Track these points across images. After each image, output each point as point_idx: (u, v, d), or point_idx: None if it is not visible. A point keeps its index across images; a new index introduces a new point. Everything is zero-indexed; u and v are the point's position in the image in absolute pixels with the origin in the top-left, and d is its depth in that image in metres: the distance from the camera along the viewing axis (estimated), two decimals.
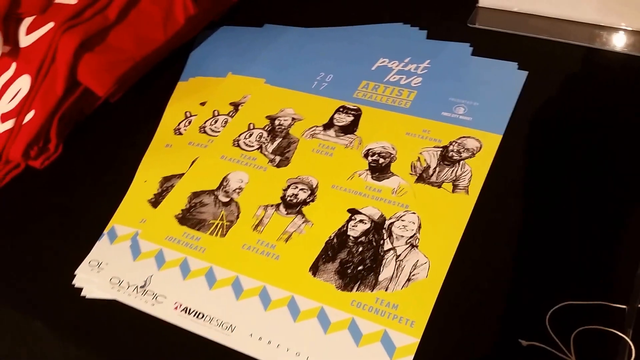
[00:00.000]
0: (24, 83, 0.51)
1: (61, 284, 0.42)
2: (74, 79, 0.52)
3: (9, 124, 0.50)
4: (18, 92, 0.50)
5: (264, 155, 0.50)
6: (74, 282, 0.42)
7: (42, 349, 0.41)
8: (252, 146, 0.51)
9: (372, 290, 0.39)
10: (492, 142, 0.47)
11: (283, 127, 0.52)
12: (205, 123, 0.54)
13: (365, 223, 0.43)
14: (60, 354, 0.41)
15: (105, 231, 0.45)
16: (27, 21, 0.52)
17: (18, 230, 0.47)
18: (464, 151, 0.46)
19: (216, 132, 0.53)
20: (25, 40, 0.51)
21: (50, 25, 0.51)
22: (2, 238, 0.47)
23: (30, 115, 0.50)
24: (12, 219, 0.48)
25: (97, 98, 0.54)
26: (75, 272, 0.43)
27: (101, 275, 0.42)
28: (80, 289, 0.42)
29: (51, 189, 0.50)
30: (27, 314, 0.42)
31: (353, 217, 0.43)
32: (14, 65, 0.51)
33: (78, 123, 0.55)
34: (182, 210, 0.46)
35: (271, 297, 0.39)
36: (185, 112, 0.55)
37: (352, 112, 0.52)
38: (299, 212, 0.44)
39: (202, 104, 0.56)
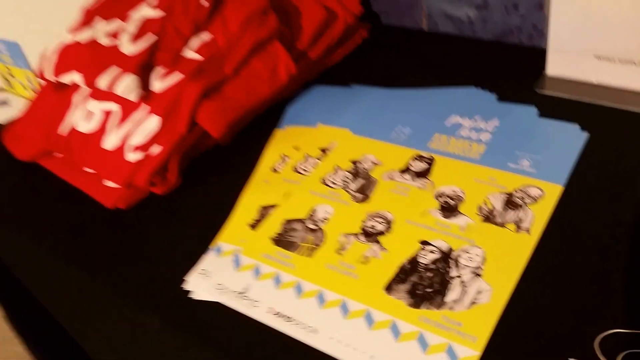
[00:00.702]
0: (153, 122, 0.61)
1: (173, 288, 0.51)
2: (194, 122, 0.62)
3: (139, 156, 0.61)
4: (148, 129, 0.61)
5: (348, 192, 0.57)
6: (184, 286, 0.50)
7: (156, 340, 0.49)
8: (337, 184, 0.58)
9: (439, 309, 0.44)
10: (553, 191, 0.52)
11: (365, 170, 0.59)
12: (297, 164, 0.62)
13: (435, 253, 0.49)
14: (171, 347, 0.48)
15: (212, 247, 0.54)
16: (160, 71, 0.63)
17: (142, 242, 0.57)
18: (527, 197, 0.52)
19: (307, 171, 0.61)
20: (157, 86, 0.63)
21: (179, 76, 0.62)
22: (130, 246, 0.56)
23: (156, 150, 0.61)
24: (136, 233, 0.58)
25: (211, 139, 0.64)
26: (186, 278, 0.51)
27: (208, 281, 0.51)
28: (189, 292, 0.50)
29: (169, 212, 0.59)
30: (145, 310, 0.50)
31: (424, 247, 0.50)
32: (146, 107, 0.62)
33: (193, 159, 0.65)
34: (276, 233, 0.54)
35: (349, 309, 0.46)
36: (281, 154, 0.64)
37: (426, 160, 0.59)
38: (376, 241, 0.51)
39: (296, 148, 0.65)
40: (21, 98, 2.19)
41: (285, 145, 0.66)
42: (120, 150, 0.62)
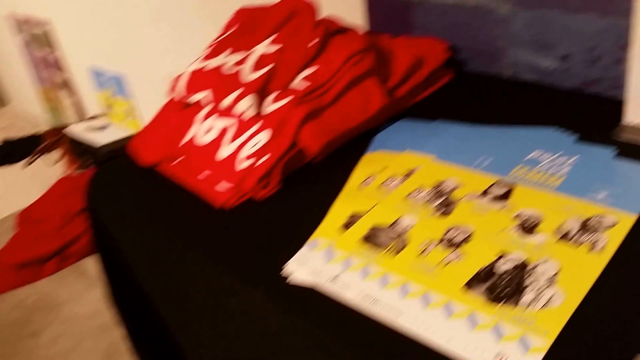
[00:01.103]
0: (264, 136, 0.71)
1: (274, 271, 0.58)
2: (297, 139, 0.71)
3: (249, 163, 0.70)
4: (259, 141, 0.71)
5: (430, 208, 0.63)
6: (284, 271, 0.58)
7: (255, 316, 0.56)
8: (420, 202, 0.65)
9: (514, 308, 0.49)
10: (627, 219, 0.56)
11: (447, 191, 0.66)
12: (384, 182, 0.70)
13: (512, 262, 0.54)
14: (274, 321, 0.55)
15: (309, 241, 0.61)
16: (273, 96, 0.73)
17: (246, 235, 0.65)
18: (602, 224, 0.57)
19: (392, 189, 0.68)
20: (269, 107, 0.72)
21: (288, 99, 0.72)
22: (237, 238, 0.64)
23: (264, 159, 0.70)
24: (242, 228, 0.66)
25: (308, 155, 0.73)
26: (286, 265, 0.58)
27: (304, 268, 0.58)
28: (288, 275, 0.57)
29: (270, 212, 0.68)
30: (248, 286, 0.58)
31: (501, 257, 0.55)
32: (258, 124, 0.72)
33: (292, 171, 0.73)
34: (365, 235, 0.61)
35: (430, 300, 0.51)
36: (370, 173, 0.72)
37: (506, 186, 0.65)
38: (456, 249, 0.57)
39: (383, 168, 0.72)
40: (118, 125, 2.42)
41: (374, 166, 0.73)
42: (232, 159, 0.71)
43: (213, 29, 1.48)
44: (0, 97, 3.28)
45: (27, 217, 2.13)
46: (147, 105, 2.18)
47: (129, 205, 0.78)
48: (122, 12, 1.98)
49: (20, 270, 1.91)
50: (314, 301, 0.54)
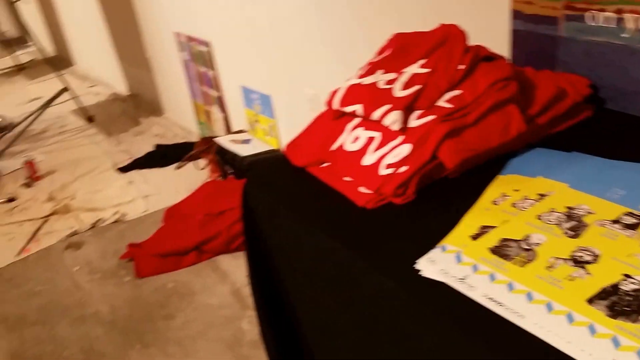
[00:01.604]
0: (405, 149, 0.79)
1: (407, 266, 0.65)
2: (436, 153, 0.78)
3: (389, 171, 0.78)
4: (400, 153, 0.79)
5: (560, 228, 0.67)
6: (416, 266, 0.65)
7: (391, 301, 0.64)
8: (552, 222, 0.69)
9: (634, 323, 0.52)
10: None
11: (578, 215, 0.69)
12: (516, 202, 0.74)
13: (636, 284, 0.56)
14: (402, 307, 0.62)
15: (439, 245, 0.68)
16: (418, 113, 0.81)
17: (384, 233, 0.73)
18: None
19: (524, 208, 0.72)
20: (414, 123, 0.80)
21: (432, 117, 0.79)
22: (376, 235, 0.73)
23: (403, 169, 0.77)
24: (380, 226, 0.74)
25: (444, 170, 0.79)
26: (417, 262, 0.65)
27: (434, 266, 0.64)
28: (420, 271, 0.64)
29: (406, 216, 0.75)
30: (384, 276, 0.65)
31: (627, 279, 0.57)
32: (402, 137, 0.80)
33: (426, 184, 0.80)
34: (493, 246, 0.66)
35: (553, 307, 0.55)
36: (502, 193, 0.76)
37: (637, 217, 0.66)
38: (583, 267, 0.60)
39: (516, 190, 0.76)
40: (259, 140, 2.61)
41: (506, 187, 0.78)
42: (375, 166, 0.80)
43: (353, 56, 1.60)
44: (157, 107, 3.69)
45: (174, 213, 2.39)
46: (286, 124, 2.36)
47: (279, 200, 0.89)
48: (274, 39, 2.18)
49: (164, 259, 2.14)
50: (442, 293, 0.60)
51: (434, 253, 0.66)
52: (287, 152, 0.96)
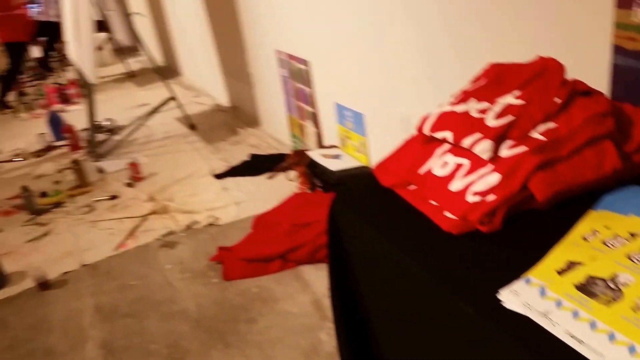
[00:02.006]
0: (494, 178, 0.80)
1: (489, 295, 0.66)
2: (526, 184, 0.78)
3: (477, 199, 0.79)
4: (489, 181, 0.80)
5: None
6: (498, 296, 0.66)
7: (469, 327, 0.65)
8: None
9: None
10: None
11: None
12: (606, 239, 0.73)
13: None
14: (480, 333, 0.63)
15: (523, 277, 0.68)
16: (510, 143, 0.82)
17: (467, 260, 0.74)
18: None
19: (614, 246, 0.71)
20: (504, 153, 0.81)
21: (524, 149, 0.80)
22: (459, 260, 0.74)
23: (491, 198, 0.78)
24: (462, 252, 0.76)
25: (533, 202, 0.79)
26: (500, 292, 0.66)
27: (517, 298, 0.65)
28: (502, 301, 0.65)
29: (490, 245, 0.76)
30: (463, 301, 0.67)
31: None
32: (491, 166, 0.81)
33: (516, 213, 0.81)
34: (579, 282, 0.66)
35: (636, 350, 0.55)
36: (593, 229, 0.75)
37: None
38: None
39: (606, 227, 0.75)
40: (349, 156, 2.66)
41: (597, 223, 0.77)
42: (462, 193, 0.81)
43: (447, 81, 1.61)
44: (255, 119, 3.85)
45: (262, 221, 2.48)
46: (377, 142, 2.40)
47: (364, 217, 0.92)
48: (370, 59, 2.23)
49: (250, 264, 2.23)
50: (522, 325, 0.61)
51: (518, 285, 0.67)
52: (375, 171, 0.99)
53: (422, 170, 0.91)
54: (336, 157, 2.62)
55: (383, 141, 2.34)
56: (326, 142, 2.88)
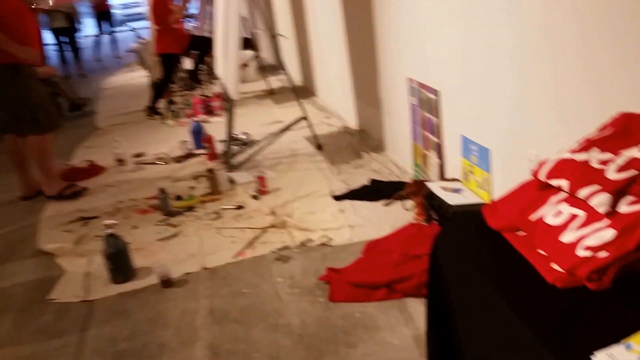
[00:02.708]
0: (609, 234, 0.74)
1: (584, 357, 0.62)
2: None
3: (588, 254, 0.74)
4: (603, 237, 0.74)
5: None
6: (592, 357, 0.61)
7: None
8: None
9: None
10: None
11: None
12: None
13: None
14: None
15: (624, 342, 0.63)
16: (630, 199, 0.76)
17: (568, 315, 0.70)
18: None
19: None
20: (623, 209, 0.75)
21: None
22: (559, 315, 0.70)
23: (603, 254, 0.73)
24: (564, 307, 0.71)
25: None
26: (595, 354, 0.61)
27: None
28: None
29: (596, 302, 0.71)
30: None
31: None
32: (607, 221, 0.76)
33: (625, 274, 0.74)
34: None
35: None
36: None
37: None
38: None
39: None
40: (470, 191, 2.58)
41: None
42: (573, 245, 0.77)
43: (580, 124, 1.50)
44: (380, 144, 3.89)
45: (374, 247, 2.49)
46: (501, 180, 2.31)
47: (468, 258, 0.90)
48: (501, 94, 2.16)
49: (356, 288, 2.24)
50: None
51: (617, 349, 0.62)
52: (485, 212, 0.96)
53: (534, 216, 0.87)
54: (456, 191, 2.57)
55: (507, 180, 2.25)
56: (448, 175, 2.83)
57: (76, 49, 9.05)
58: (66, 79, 7.18)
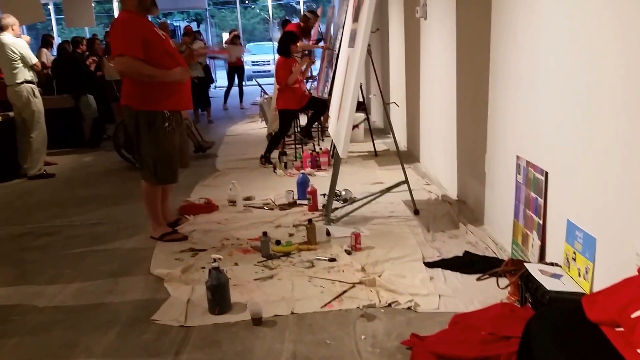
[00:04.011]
0: None
1: None
2: None
3: None
4: None
5: None
6: None
7: None
8: None
9: None
10: None
11: None
12: None
13: None
14: None
15: None
16: None
17: None
18: None
19: None
20: None
21: None
22: None
23: None
24: None
25: None
26: None
27: None
28: None
29: None
30: None
31: None
32: None
33: None
34: None
35: None
36: None
37: None
38: None
39: None
40: (570, 279, 2.51)
41: None
42: None
43: None
44: (479, 217, 3.85)
45: (461, 320, 2.46)
46: (604, 272, 2.22)
47: (561, 348, 0.91)
48: (615, 180, 2.11)
49: (439, 359, 2.23)
50: None
51: None
52: (584, 303, 0.98)
53: (636, 314, 0.88)
54: (555, 276, 2.50)
55: (611, 272, 2.17)
56: (548, 258, 2.76)
57: (208, 98, 9.91)
58: (195, 123, 7.84)
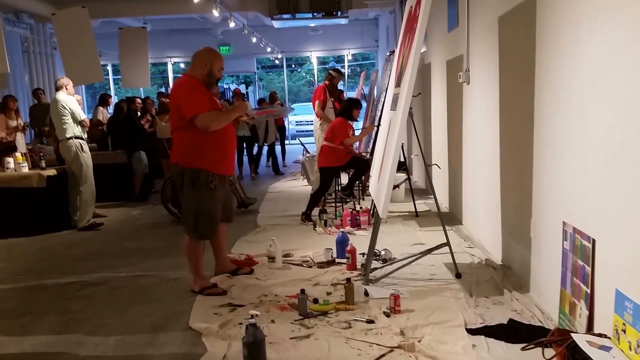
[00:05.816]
0: None
1: None
2: None
3: None
4: None
5: None
6: None
7: None
8: None
9: None
10: None
11: None
12: None
13: None
14: None
15: None
16: None
17: None
18: None
19: None
20: None
21: None
22: None
23: None
24: None
25: None
26: None
27: None
28: None
29: None
30: None
31: None
32: None
33: None
34: None
35: None
36: None
37: None
38: None
39: None
40: (621, 352, 2.39)
41: None
42: None
43: None
44: (524, 284, 3.74)
45: None
46: None
47: None
48: None
49: None
50: None
51: None
52: None
53: None
54: (604, 348, 2.39)
55: None
56: (596, 329, 2.65)
57: (252, 155, 10.22)
58: (239, 180, 8.05)
